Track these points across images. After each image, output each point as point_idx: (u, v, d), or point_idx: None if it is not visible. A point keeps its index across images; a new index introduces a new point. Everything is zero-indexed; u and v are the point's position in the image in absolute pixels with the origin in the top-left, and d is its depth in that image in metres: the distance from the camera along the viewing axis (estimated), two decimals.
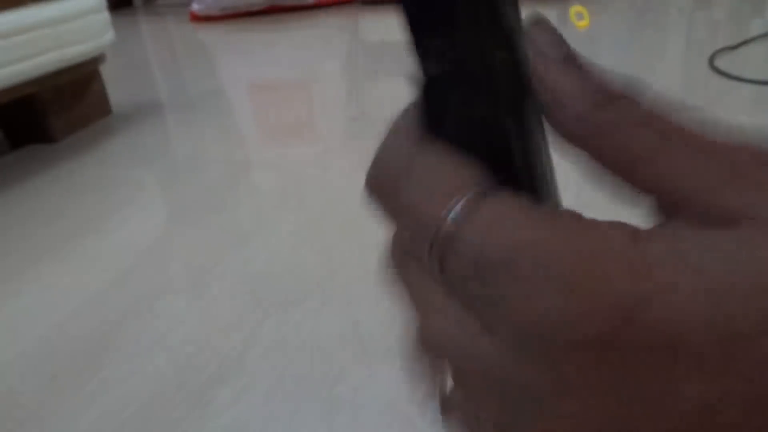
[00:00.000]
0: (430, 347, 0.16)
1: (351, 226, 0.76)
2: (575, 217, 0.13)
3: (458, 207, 0.14)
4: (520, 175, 0.16)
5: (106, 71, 1.26)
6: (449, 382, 0.17)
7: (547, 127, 0.16)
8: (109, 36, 1.18)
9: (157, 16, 2.65)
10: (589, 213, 0.14)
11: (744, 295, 0.12)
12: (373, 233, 0.73)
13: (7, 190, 0.96)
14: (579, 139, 0.14)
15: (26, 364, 0.58)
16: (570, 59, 0.15)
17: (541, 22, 0.15)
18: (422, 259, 0.15)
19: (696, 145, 0.13)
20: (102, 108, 1.25)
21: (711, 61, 1.26)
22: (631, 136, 0.14)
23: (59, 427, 0.50)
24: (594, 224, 0.13)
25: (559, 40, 0.15)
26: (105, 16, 1.16)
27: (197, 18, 2.34)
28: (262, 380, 0.53)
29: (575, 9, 1.90)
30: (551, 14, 1.70)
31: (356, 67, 1.53)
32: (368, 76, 1.43)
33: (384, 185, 0.16)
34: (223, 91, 1.48)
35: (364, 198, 0.17)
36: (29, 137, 1.14)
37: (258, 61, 1.72)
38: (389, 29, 1.82)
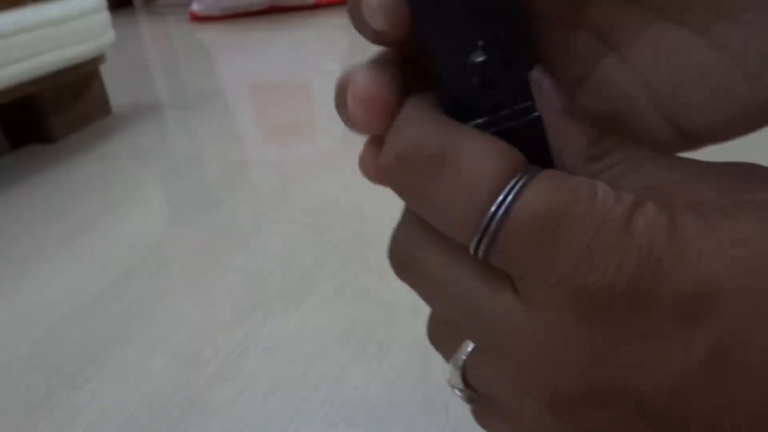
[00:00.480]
0: (458, 327, 0.17)
1: (351, 225, 0.76)
2: (608, 187, 0.14)
3: (513, 185, 0.14)
4: (546, 157, 0.17)
5: (106, 71, 1.26)
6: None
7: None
8: (109, 36, 1.18)
9: (157, 16, 2.65)
10: None
11: None
12: (373, 232, 0.73)
13: (7, 190, 0.96)
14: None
15: (26, 364, 0.58)
16: (571, 110, 0.17)
17: (543, 72, 0.17)
18: (464, 240, 0.15)
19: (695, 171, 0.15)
20: (102, 108, 1.25)
21: None
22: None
23: (59, 427, 0.50)
24: (631, 197, 0.14)
25: (560, 91, 0.17)
26: (105, 16, 1.16)
27: (197, 18, 2.34)
28: (262, 380, 0.53)
29: None
30: None
31: None
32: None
33: (417, 170, 0.16)
34: (222, 90, 1.48)
35: (387, 181, 0.17)
36: (29, 137, 1.14)
37: (258, 61, 1.72)
38: None
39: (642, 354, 0.14)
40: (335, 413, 0.48)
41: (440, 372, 0.50)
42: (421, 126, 0.16)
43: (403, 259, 0.18)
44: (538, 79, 0.17)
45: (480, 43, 0.16)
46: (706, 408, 0.14)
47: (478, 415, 0.19)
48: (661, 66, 0.17)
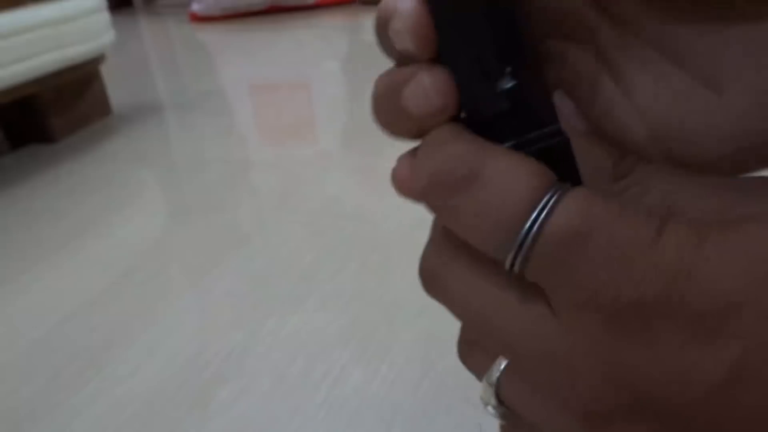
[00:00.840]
0: (489, 343, 0.17)
1: (351, 225, 0.76)
2: (638, 205, 0.15)
3: (547, 201, 0.15)
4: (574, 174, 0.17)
5: (106, 71, 1.26)
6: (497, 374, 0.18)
7: None
8: (109, 36, 1.18)
9: (157, 16, 2.65)
10: None
11: None
12: (373, 232, 0.73)
13: (7, 190, 0.96)
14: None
15: (26, 364, 0.58)
16: (592, 132, 0.17)
17: (563, 96, 0.17)
18: (497, 255, 0.16)
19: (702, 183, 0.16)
20: (102, 108, 1.25)
21: None
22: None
23: (59, 427, 0.50)
24: (660, 214, 0.15)
25: (580, 114, 0.17)
26: (105, 16, 1.16)
27: (197, 18, 2.34)
28: (262, 380, 0.53)
29: None
30: None
31: (356, 67, 1.53)
32: (368, 76, 1.43)
33: (451, 188, 0.16)
34: (223, 91, 1.48)
35: (420, 198, 0.17)
36: (29, 137, 1.14)
37: (258, 61, 1.72)
38: None
39: (671, 367, 0.14)
40: (335, 413, 0.48)
41: (440, 372, 0.50)
42: (454, 145, 0.16)
43: (434, 275, 0.18)
44: (559, 102, 0.17)
45: (508, 69, 0.16)
46: (734, 419, 0.14)
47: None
48: (660, 104, 0.17)
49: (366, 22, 2.08)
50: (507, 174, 0.15)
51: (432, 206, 0.17)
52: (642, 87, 0.17)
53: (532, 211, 0.15)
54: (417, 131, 0.17)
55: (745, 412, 0.14)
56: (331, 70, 1.56)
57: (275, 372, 0.53)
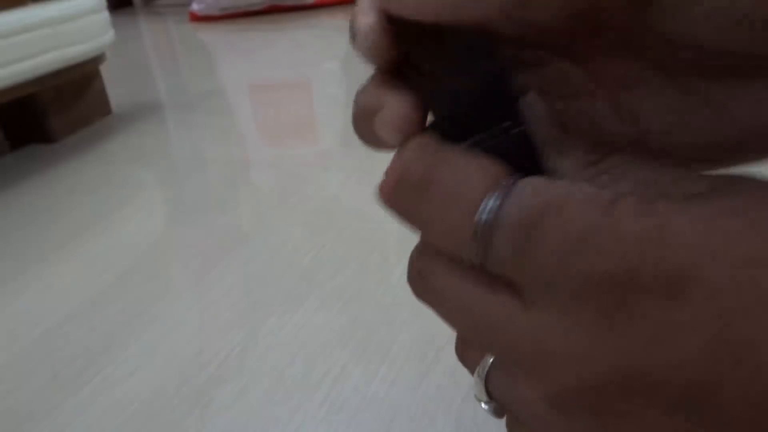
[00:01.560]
0: (474, 339, 0.18)
1: (351, 225, 0.76)
2: (587, 185, 0.15)
3: (497, 192, 0.15)
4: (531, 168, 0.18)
5: (106, 71, 1.26)
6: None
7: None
8: (109, 36, 1.18)
9: (157, 16, 2.65)
10: None
11: (739, 231, 0.13)
12: (372, 232, 0.73)
13: (7, 190, 0.96)
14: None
15: (26, 364, 0.58)
16: (563, 126, 0.17)
17: (537, 96, 0.18)
18: (461, 252, 0.16)
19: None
20: (102, 108, 1.25)
21: None
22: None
23: (59, 427, 0.50)
24: (609, 192, 0.15)
25: (552, 111, 0.18)
26: (105, 16, 1.16)
27: (197, 18, 2.34)
28: (262, 380, 0.53)
29: None
30: None
31: (356, 67, 1.53)
32: (368, 76, 1.43)
33: (410, 194, 0.17)
34: (223, 91, 1.48)
35: (383, 207, 0.18)
36: (29, 137, 1.14)
37: (258, 61, 1.72)
38: None
39: (646, 337, 0.14)
40: (335, 413, 0.48)
41: (440, 372, 0.50)
42: (409, 153, 0.17)
43: (419, 278, 0.19)
44: (533, 102, 0.18)
45: (464, 79, 0.17)
46: (724, 386, 0.13)
47: (512, 428, 0.19)
48: (651, 118, 0.17)
49: None
50: (458, 173, 0.16)
51: (399, 215, 0.18)
52: (634, 103, 0.17)
53: (484, 204, 0.15)
54: (393, 147, 0.19)
55: (734, 375, 0.13)
56: (331, 70, 1.56)
57: (275, 372, 0.53)
